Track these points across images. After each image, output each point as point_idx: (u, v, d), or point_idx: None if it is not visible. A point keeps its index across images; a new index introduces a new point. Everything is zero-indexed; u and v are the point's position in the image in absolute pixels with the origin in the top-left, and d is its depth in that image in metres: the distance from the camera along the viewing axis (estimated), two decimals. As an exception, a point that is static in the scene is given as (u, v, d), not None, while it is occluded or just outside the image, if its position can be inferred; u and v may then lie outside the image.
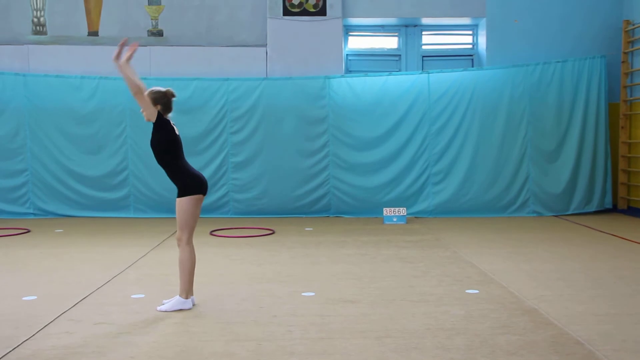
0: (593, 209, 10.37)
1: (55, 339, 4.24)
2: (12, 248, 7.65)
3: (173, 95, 5.13)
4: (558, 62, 10.33)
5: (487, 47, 10.90)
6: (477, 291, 5.44)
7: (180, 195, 4.96)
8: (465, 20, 11.31)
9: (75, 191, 10.39)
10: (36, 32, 10.93)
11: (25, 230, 8.93)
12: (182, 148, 5.13)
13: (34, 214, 10.37)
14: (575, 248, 7.49)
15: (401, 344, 4.11)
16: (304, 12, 10.78)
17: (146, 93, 4.98)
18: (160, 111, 5.02)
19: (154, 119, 4.99)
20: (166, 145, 4.97)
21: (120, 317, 4.75)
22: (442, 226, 9.26)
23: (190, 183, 4.96)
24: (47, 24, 10.95)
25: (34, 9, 10.92)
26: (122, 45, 4.94)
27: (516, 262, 6.65)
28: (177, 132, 5.11)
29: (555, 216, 10.24)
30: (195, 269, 6.29)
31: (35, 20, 10.92)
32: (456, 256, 7.01)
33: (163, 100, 5.05)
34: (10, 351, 4.00)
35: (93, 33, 10.98)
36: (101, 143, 10.41)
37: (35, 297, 5.24)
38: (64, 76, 10.42)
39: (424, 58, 11.49)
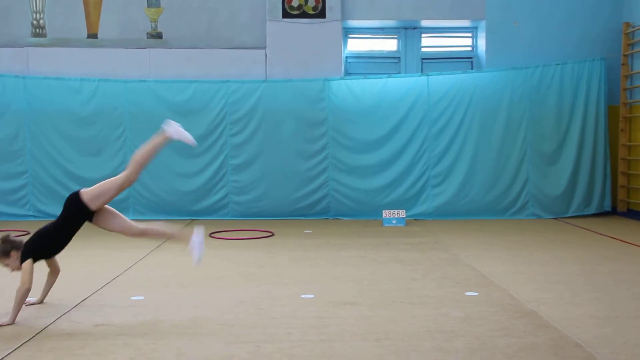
0: (592, 212, 10.37)
1: (55, 341, 4.24)
2: (12, 250, 7.63)
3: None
4: (558, 64, 10.33)
5: (486, 50, 10.91)
6: (476, 294, 5.44)
7: (89, 219, 4.95)
8: (465, 23, 11.32)
9: (75, 193, 10.38)
10: (36, 35, 10.93)
11: (25, 233, 8.91)
12: (45, 230, 4.93)
13: (34, 216, 10.36)
14: (574, 251, 7.49)
15: (400, 346, 4.11)
16: (303, 15, 10.79)
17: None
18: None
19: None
20: None
21: (120, 318, 4.75)
22: (442, 228, 9.26)
23: (74, 213, 4.91)
24: (46, 27, 10.96)
25: (34, 12, 10.92)
26: None
27: (515, 265, 6.66)
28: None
29: (554, 219, 10.24)
30: (196, 269, 6.33)
31: (35, 22, 10.93)
32: (455, 259, 7.01)
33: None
34: (10, 353, 3.99)
35: (92, 35, 10.98)
36: (100, 145, 10.42)
37: (35, 299, 5.23)
38: (64, 78, 10.42)
39: (424, 60, 11.49)
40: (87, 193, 4.90)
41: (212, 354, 3.99)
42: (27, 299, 4.91)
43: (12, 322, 4.58)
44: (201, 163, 10.41)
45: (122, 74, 10.57)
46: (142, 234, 5.09)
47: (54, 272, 5.18)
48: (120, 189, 4.95)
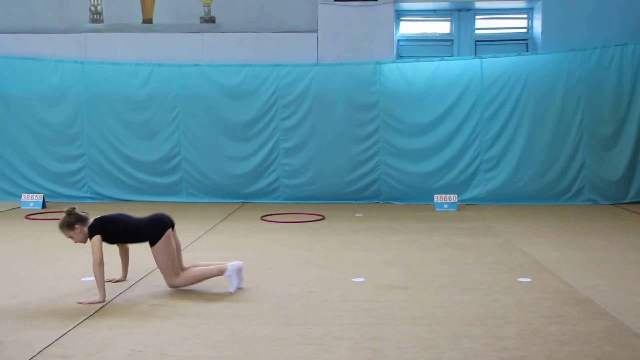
0: (652, 198, 10.07)
1: (112, 319, 4.38)
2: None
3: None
4: (618, 45, 9.99)
5: (542, 31, 10.63)
6: (529, 280, 5.36)
7: (152, 244, 4.96)
8: (520, 4, 11.05)
9: (130, 176, 10.64)
10: (93, 21, 11.19)
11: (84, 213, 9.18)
12: (122, 219, 5.05)
13: (91, 198, 10.67)
14: (632, 237, 7.28)
15: (451, 332, 4.09)
16: (355, -3, 10.72)
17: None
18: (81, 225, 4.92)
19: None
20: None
21: (174, 299, 4.86)
22: (494, 214, 9.13)
23: (152, 229, 4.96)
24: (103, 13, 11.20)
25: (92, -3, 11.20)
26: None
27: (570, 251, 6.52)
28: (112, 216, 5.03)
29: (611, 204, 9.96)
30: (247, 252, 6.42)
31: (93, 8, 11.18)
32: (508, 244, 6.91)
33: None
34: (70, 330, 4.14)
35: (147, 20, 11.17)
36: (154, 129, 10.62)
37: (93, 278, 5.39)
38: (120, 63, 10.65)
39: (477, 43, 11.28)
40: (158, 247, 4.93)
41: (263, 335, 4.05)
42: (110, 278, 5.17)
43: (103, 299, 4.75)
44: (253, 146, 10.50)
45: (175, 59, 10.74)
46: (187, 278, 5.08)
47: (124, 247, 5.33)
48: (166, 276, 5.01)
